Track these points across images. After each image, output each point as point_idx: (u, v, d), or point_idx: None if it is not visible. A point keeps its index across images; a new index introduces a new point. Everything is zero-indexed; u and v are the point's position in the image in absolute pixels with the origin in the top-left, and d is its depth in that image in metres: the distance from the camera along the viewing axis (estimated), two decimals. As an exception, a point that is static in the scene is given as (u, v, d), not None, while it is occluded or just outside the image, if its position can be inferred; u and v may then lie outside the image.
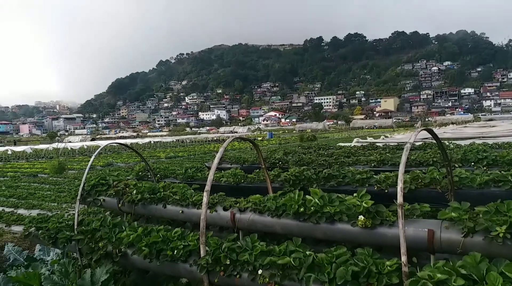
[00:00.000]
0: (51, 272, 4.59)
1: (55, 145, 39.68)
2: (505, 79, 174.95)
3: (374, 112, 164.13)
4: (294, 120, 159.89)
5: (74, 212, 4.70)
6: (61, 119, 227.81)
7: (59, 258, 5.11)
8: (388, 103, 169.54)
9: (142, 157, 6.01)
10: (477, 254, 2.43)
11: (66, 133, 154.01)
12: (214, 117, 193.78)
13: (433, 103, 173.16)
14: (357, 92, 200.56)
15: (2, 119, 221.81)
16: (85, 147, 39.63)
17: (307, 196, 3.54)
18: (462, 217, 2.80)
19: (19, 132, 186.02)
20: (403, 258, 2.55)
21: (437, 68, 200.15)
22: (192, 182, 6.18)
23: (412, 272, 2.54)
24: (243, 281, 3.15)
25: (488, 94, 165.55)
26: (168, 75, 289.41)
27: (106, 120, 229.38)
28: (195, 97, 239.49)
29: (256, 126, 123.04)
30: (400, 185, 2.65)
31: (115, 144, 7.28)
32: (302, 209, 3.44)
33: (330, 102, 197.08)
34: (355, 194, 3.37)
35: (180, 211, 4.41)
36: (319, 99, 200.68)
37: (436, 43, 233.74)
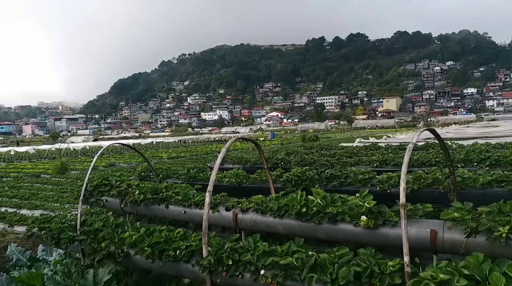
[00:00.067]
0: (54, 272, 4.61)
1: (57, 145, 39.82)
2: (508, 79, 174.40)
3: (376, 112, 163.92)
4: (296, 120, 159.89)
5: (76, 212, 4.72)
6: (64, 119, 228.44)
7: (61, 259, 5.12)
8: (391, 103, 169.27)
9: (144, 158, 6.02)
10: (480, 255, 2.42)
11: (69, 134, 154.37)
12: (216, 117, 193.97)
13: (436, 103, 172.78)
14: (359, 92, 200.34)
15: (5, 120, 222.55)
16: (88, 147, 39.72)
17: (309, 197, 3.53)
18: (464, 217, 2.79)
19: (21, 132, 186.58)
20: (406, 259, 2.54)
21: (439, 68, 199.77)
22: (194, 182, 6.19)
23: (415, 273, 2.54)
24: (245, 281, 3.15)
25: (491, 94, 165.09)
26: (170, 76, 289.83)
27: (109, 120, 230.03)
28: (197, 97, 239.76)
29: (258, 126, 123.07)
30: (402, 185, 2.65)
31: (117, 145, 7.30)
32: (304, 210, 3.44)
33: (332, 102, 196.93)
34: (357, 195, 3.36)
35: (183, 212, 4.41)
36: (321, 99, 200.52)
37: (438, 43, 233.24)
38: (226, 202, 4.18)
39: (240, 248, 3.29)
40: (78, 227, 4.53)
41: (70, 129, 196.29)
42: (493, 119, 77.15)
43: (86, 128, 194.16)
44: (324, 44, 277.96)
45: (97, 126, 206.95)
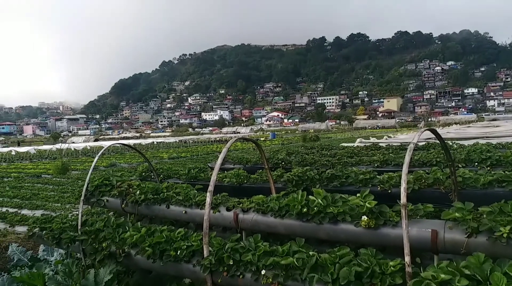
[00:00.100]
0: (55, 272, 4.61)
1: (58, 145, 39.86)
2: (508, 79, 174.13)
3: (377, 112, 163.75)
4: (297, 120, 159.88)
5: (77, 212, 4.73)
6: (65, 120, 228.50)
7: (63, 259, 5.13)
8: (391, 103, 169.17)
9: (145, 158, 6.02)
10: (481, 255, 2.42)
11: (70, 134, 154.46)
12: (216, 117, 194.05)
13: (436, 103, 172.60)
14: (360, 92, 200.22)
15: (6, 120, 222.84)
16: (88, 147, 39.75)
17: (310, 197, 3.54)
18: (465, 217, 2.79)
19: (22, 133, 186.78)
20: (407, 259, 2.54)
21: (440, 68, 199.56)
22: (195, 182, 6.19)
23: (416, 273, 2.54)
24: (246, 281, 3.15)
25: (492, 94, 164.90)
26: (171, 76, 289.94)
27: (109, 120, 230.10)
28: (198, 97, 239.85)
29: (259, 127, 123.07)
30: (403, 185, 2.65)
31: (118, 145, 7.30)
32: (305, 210, 3.44)
33: (333, 102, 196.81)
34: (358, 195, 3.36)
35: (184, 212, 4.41)
36: (322, 99, 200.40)
37: (439, 43, 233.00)
38: (227, 202, 4.18)
39: (241, 248, 3.30)
40: (79, 227, 4.53)
41: (71, 129, 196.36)
42: (494, 119, 77.08)
43: (87, 128, 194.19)
44: (325, 44, 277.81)
45: (98, 126, 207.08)
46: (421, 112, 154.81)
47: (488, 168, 5.73)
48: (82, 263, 4.41)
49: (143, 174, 7.12)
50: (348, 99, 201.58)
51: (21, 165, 27.99)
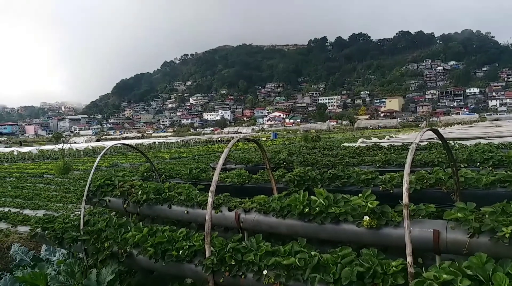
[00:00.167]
0: (57, 272, 4.62)
1: (60, 146, 39.88)
2: (511, 79, 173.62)
3: (379, 112, 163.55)
4: (299, 120, 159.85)
5: (79, 212, 4.73)
6: (66, 120, 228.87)
7: (65, 258, 5.14)
8: (393, 103, 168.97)
9: (147, 158, 6.03)
10: (483, 255, 2.42)
11: (71, 134, 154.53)
12: (218, 117, 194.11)
13: (438, 103, 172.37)
14: (362, 92, 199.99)
15: (8, 120, 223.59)
16: (90, 148, 39.81)
17: (312, 197, 3.54)
18: (468, 217, 2.79)
19: (25, 133, 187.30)
20: (409, 259, 2.54)
21: (442, 67, 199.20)
22: (197, 182, 6.19)
23: (418, 273, 2.54)
24: (248, 281, 3.15)
25: (494, 93, 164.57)
26: (172, 76, 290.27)
27: (111, 121, 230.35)
28: (200, 97, 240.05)
29: (260, 127, 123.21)
30: (405, 185, 2.64)
31: (120, 145, 7.31)
32: (307, 210, 3.44)
33: (334, 102, 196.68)
34: (360, 195, 3.36)
35: (185, 212, 4.42)
36: (323, 99, 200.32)
37: (441, 42, 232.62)
38: (229, 202, 4.19)
39: (243, 248, 3.30)
40: (81, 227, 4.54)
41: (73, 130, 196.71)
42: (496, 119, 76.92)
43: (89, 129, 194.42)
44: (326, 44, 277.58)
45: (99, 126, 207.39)
46: (423, 112, 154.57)
47: (490, 168, 5.72)
48: (84, 263, 4.42)
49: (145, 174, 7.13)
50: (349, 99, 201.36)
51: (23, 165, 28.04)
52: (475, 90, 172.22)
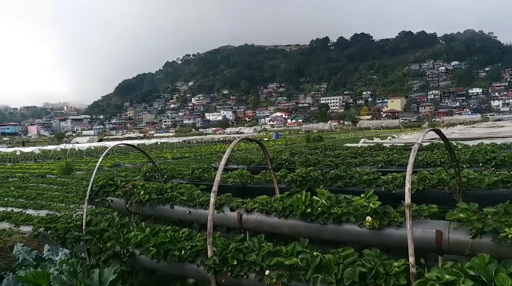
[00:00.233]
0: (60, 272, 4.63)
1: (63, 146, 39.97)
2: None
3: (381, 113, 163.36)
4: (300, 120, 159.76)
5: (82, 212, 4.74)
6: (69, 120, 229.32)
7: (67, 258, 5.16)
8: (395, 103, 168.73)
9: (149, 158, 6.04)
10: (485, 255, 2.41)
11: (74, 134, 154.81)
12: (220, 117, 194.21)
13: (441, 103, 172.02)
14: (364, 92, 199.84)
15: (11, 120, 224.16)
16: (93, 148, 39.87)
17: (314, 197, 3.54)
18: (470, 218, 2.79)
19: (27, 133, 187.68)
20: (411, 259, 2.54)
21: (444, 68, 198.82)
22: (199, 182, 6.20)
23: (420, 273, 2.54)
24: (250, 281, 3.15)
25: (496, 94, 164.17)
26: (174, 76, 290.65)
27: (113, 121, 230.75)
28: (202, 98, 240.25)
29: (262, 127, 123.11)
30: (407, 185, 2.64)
31: (122, 145, 7.33)
32: (309, 210, 3.44)
33: (336, 102, 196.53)
34: (362, 195, 3.36)
35: (188, 212, 4.43)
36: (325, 100, 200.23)
37: (443, 42, 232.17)
38: (231, 202, 4.19)
39: (245, 248, 3.30)
40: (83, 227, 4.55)
41: (75, 130, 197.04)
42: (499, 119, 76.71)
43: (91, 129, 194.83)
44: (328, 44, 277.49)
45: (102, 126, 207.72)
46: (425, 112, 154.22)
47: (493, 168, 5.71)
48: (87, 263, 4.43)
49: (147, 174, 7.14)
50: (351, 99, 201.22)
51: (25, 165, 28.11)
52: (478, 90, 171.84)
